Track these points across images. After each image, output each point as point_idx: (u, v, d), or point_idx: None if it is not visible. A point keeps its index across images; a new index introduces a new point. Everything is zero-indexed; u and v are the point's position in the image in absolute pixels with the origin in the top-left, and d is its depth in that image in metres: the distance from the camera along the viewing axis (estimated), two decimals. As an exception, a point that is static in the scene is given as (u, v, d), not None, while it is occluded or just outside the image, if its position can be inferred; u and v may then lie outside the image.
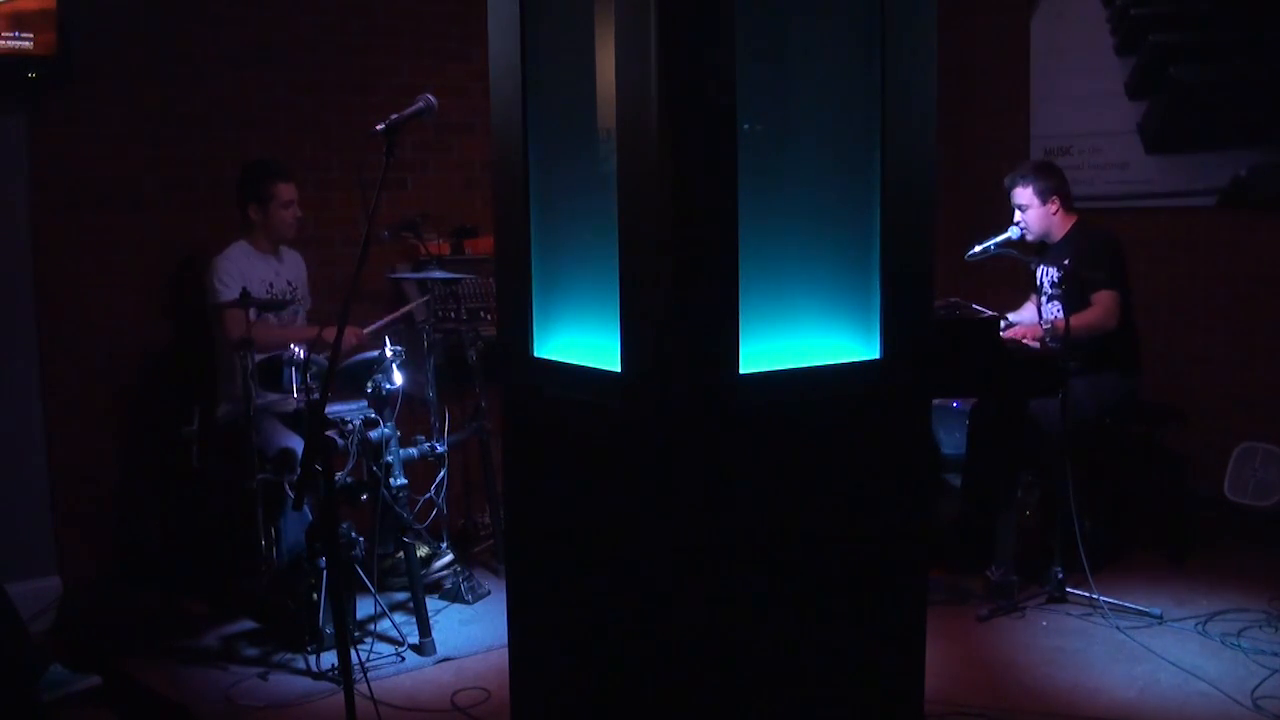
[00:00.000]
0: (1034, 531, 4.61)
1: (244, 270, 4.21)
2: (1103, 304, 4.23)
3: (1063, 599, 4.08)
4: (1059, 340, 4.03)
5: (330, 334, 4.09)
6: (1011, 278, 5.14)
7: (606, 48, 2.23)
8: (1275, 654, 3.61)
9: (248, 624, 4.03)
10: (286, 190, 4.29)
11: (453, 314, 4.66)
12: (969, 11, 5.98)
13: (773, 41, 2.33)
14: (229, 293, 4.04)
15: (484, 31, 2.58)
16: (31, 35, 3.96)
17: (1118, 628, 3.86)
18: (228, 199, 4.54)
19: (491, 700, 3.43)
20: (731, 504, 2.23)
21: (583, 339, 2.44)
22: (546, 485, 2.58)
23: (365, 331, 4.29)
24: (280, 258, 4.41)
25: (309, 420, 2.73)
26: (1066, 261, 4.25)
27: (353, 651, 2.97)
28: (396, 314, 4.50)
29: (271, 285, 4.32)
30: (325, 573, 3.61)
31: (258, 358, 3.87)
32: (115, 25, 4.35)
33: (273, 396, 3.89)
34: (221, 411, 4.22)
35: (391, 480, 3.82)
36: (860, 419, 2.40)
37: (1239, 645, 3.69)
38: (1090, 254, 4.28)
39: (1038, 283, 4.53)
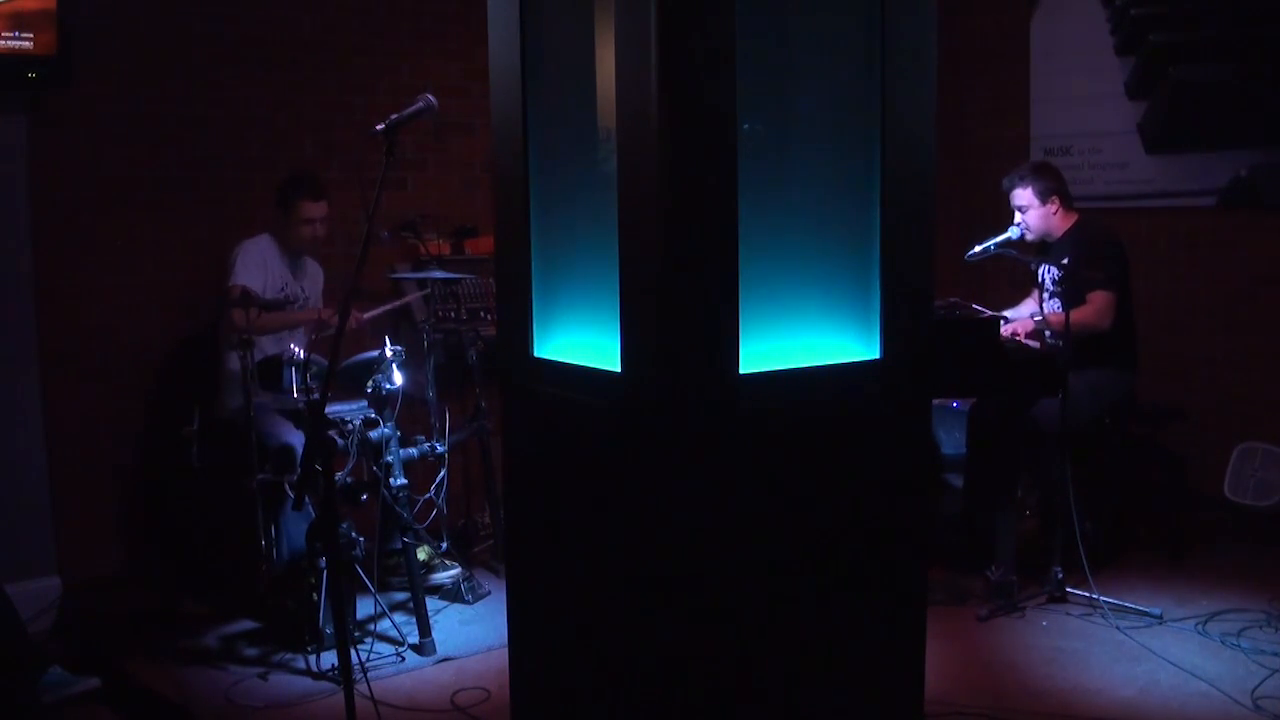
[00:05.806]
0: (1034, 531, 4.61)
1: (266, 260, 4.30)
2: (1096, 304, 4.22)
3: (1063, 599, 4.08)
4: (1056, 334, 4.03)
5: (329, 314, 4.16)
6: (1012, 278, 5.14)
7: (606, 48, 2.23)
8: (1275, 654, 3.61)
9: (248, 624, 4.03)
10: (310, 209, 4.34)
11: (453, 314, 4.66)
12: (969, 11, 5.98)
13: (773, 42, 2.33)
14: (241, 280, 4.14)
15: (484, 31, 2.58)
16: (31, 35, 3.96)
17: (1118, 628, 3.86)
18: (228, 199, 4.55)
19: (491, 700, 3.43)
20: (731, 504, 2.22)
21: (583, 339, 2.44)
22: (546, 485, 2.58)
23: (365, 316, 4.36)
24: (300, 264, 4.47)
25: (309, 420, 2.72)
26: (1066, 260, 4.26)
27: (353, 651, 2.97)
28: (395, 304, 4.54)
29: (285, 286, 4.37)
30: (325, 573, 3.61)
31: (258, 356, 3.89)
32: (115, 25, 4.35)
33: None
34: (221, 408, 4.23)
35: (391, 480, 3.82)
36: (860, 419, 2.39)
37: (1239, 645, 3.69)
38: (1090, 253, 4.28)
39: (1040, 280, 4.53)
